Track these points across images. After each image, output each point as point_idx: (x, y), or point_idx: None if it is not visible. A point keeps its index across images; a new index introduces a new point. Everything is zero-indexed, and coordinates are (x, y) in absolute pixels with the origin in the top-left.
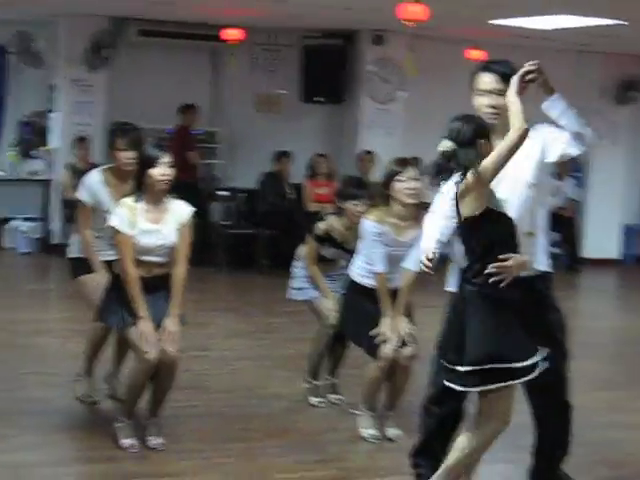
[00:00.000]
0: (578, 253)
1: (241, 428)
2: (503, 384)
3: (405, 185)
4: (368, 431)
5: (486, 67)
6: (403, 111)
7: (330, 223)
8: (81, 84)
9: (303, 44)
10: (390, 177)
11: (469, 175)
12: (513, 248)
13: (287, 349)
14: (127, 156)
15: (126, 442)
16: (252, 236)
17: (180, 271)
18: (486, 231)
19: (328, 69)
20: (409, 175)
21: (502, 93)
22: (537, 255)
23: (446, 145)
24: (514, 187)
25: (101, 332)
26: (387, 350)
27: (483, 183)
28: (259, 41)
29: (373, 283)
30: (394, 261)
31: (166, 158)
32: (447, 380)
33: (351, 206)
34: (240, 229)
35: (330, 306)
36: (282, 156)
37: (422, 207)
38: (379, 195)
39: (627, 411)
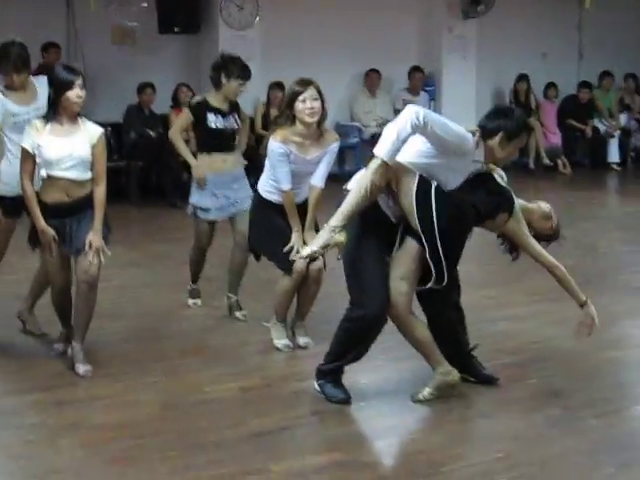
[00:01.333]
0: None
1: (160, 349)
2: None
3: (306, 105)
4: (281, 342)
5: None
6: (260, 37)
7: (204, 96)
8: None
9: None
10: (292, 97)
11: None
12: None
13: (182, 273)
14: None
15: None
16: (122, 169)
17: (100, 190)
18: None
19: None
20: (309, 95)
21: None
22: None
23: None
24: None
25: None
26: (299, 264)
27: None
28: None
29: (280, 199)
30: (300, 177)
31: (79, 80)
32: None
33: (235, 85)
34: (110, 162)
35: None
36: (145, 87)
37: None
38: (283, 115)
39: (509, 305)
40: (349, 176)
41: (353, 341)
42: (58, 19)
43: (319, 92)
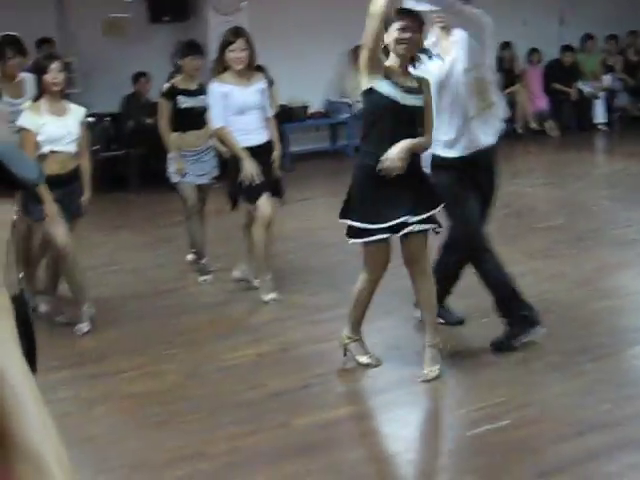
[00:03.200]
0: None
1: (177, 323)
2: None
3: (236, 54)
4: (269, 295)
5: None
6: (248, 21)
7: (172, 82)
8: None
9: None
10: (223, 47)
11: None
12: None
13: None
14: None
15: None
16: (122, 157)
17: (86, 163)
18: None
19: None
20: (238, 45)
21: None
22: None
23: None
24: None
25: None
26: (264, 203)
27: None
28: None
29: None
30: (247, 111)
31: (54, 64)
32: None
33: (189, 60)
34: (109, 151)
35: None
36: (139, 77)
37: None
38: (218, 62)
39: (508, 263)
40: (342, 151)
41: None
42: (49, 14)
43: (248, 41)
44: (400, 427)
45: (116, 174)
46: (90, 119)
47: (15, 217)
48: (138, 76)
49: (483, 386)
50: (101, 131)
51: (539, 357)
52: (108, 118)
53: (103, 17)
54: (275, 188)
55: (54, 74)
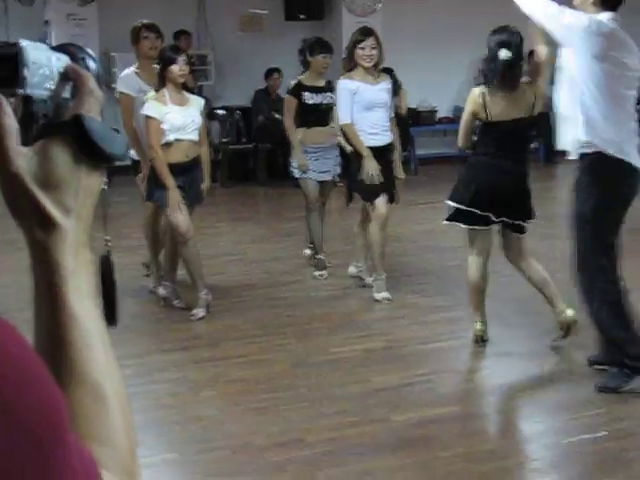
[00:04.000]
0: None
1: (289, 315)
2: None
3: (366, 52)
4: (381, 294)
5: None
6: (382, 23)
7: (299, 78)
8: (74, 18)
9: None
10: (353, 44)
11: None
12: None
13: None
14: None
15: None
16: (250, 151)
17: (205, 149)
18: None
19: None
20: (368, 44)
21: None
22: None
23: (508, 55)
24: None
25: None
26: (380, 202)
27: None
28: None
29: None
30: (374, 109)
31: (182, 57)
32: None
33: (320, 58)
34: (239, 145)
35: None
36: (272, 73)
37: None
38: (348, 60)
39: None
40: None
41: None
42: (189, 8)
43: (377, 41)
44: (497, 430)
45: (245, 167)
46: (221, 112)
47: (104, 187)
48: (270, 72)
49: (582, 396)
50: (231, 124)
51: None
52: (239, 111)
53: (241, 12)
54: (391, 190)
55: (182, 65)
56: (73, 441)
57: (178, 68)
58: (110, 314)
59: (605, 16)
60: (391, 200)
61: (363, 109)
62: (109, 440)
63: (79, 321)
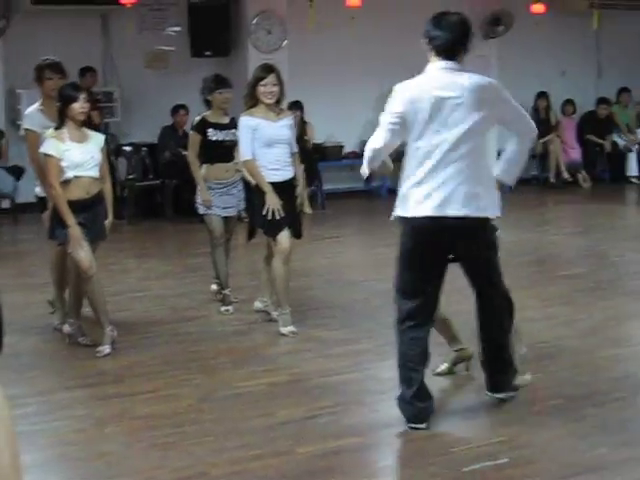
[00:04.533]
0: None
1: (195, 350)
2: None
3: (267, 89)
4: (287, 328)
5: None
6: (287, 60)
7: (203, 115)
8: None
9: (188, 2)
10: (255, 82)
11: None
12: None
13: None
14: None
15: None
16: (157, 187)
17: (108, 185)
18: None
19: (213, 24)
20: (269, 81)
21: None
22: None
23: None
24: None
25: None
26: (283, 237)
27: None
28: (146, 2)
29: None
30: (275, 145)
31: (83, 95)
32: None
33: (217, 95)
34: (145, 181)
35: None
36: (179, 109)
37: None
38: (249, 97)
39: (522, 309)
40: (375, 192)
41: None
42: (95, 45)
43: (279, 78)
44: (398, 460)
45: (151, 203)
46: (128, 148)
47: None
48: (177, 108)
49: (485, 425)
50: (138, 160)
51: (543, 399)
52: (145, 148)
53: (147, 49)
54: (294, 225)
55: (82, 103)
56: None
57: (79, 106)
58: None
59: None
60: (295, 235)
61: (264, 145)
62: None
63: None
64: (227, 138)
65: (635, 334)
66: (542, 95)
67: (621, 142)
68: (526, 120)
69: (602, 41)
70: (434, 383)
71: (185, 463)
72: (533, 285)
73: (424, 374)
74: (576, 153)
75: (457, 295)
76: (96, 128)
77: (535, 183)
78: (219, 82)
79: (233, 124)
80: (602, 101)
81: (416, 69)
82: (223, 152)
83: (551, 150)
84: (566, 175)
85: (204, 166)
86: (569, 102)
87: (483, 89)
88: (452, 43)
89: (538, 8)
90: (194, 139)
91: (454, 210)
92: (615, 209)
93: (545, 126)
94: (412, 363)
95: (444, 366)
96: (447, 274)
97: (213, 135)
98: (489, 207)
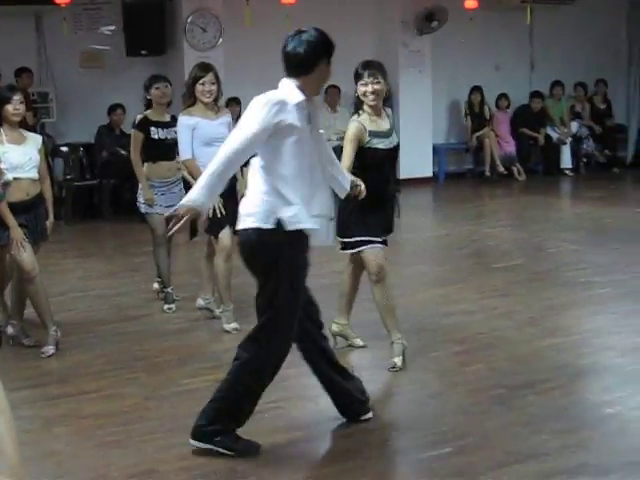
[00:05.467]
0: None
1: (139, 349)
2: None
3: (205, 88)
4: (230, 325)
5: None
6: (223, 58)
7: (145, 113)
8: None
9: (122, 1)
10: (193, 81)
11: None
12: None
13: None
14: None
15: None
16: (95, 187)
17: (47, 186)
18: None
19: (148, 23)
20: (207, 79)
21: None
22: None
23: None
24: None
25: None
26: (224, 235)
27: None
28: (80, 2)
29: None
30: (214, 143)
31: (17, 96)
32: None
33: (154, 91)
34: (83, 181)
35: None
36: (115, 108)
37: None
38: (187, 96)
39: (460, 301)
40: None
41: None
42: (29, 45)
43: (216, 76)
44: (342, 452)
45: (89, 203)
46: (64, 148)
47: None
48: (113, 108)
49: (429, 415)
50: (75, 161)
51: (485, 390)
52: (82, 148)
53: (82, 49)
54: (235, 223)
55: (16, 105)
56: None
57: (12, 107)
58: None
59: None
60: (235, 232)
61: (203, 144)
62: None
63: None
64: (169, 136)
65: (572, 324)
66: (476, 89)
67: (555, 135)
68: None
69: (535, 35)
70: (375, 376)
71: (134, 460)
72: (470, 277)
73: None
74: (510, 146)
75: None
76: (31, 129)
77: (470, 176)
78: (153, 78)
79: (174, 122)
80: (535, 95)
81: (351, 66)
82: (165, 150)
83: (486, 144)
84: (501, 168)
85: (146, 164)
86: (503, 96)
87: None
88: None
89: (471, 3)
90: (136, 137)
91: None
92: (550, 201)
93: (479, 120)
94: None
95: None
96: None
97: (155, 133)
98: None
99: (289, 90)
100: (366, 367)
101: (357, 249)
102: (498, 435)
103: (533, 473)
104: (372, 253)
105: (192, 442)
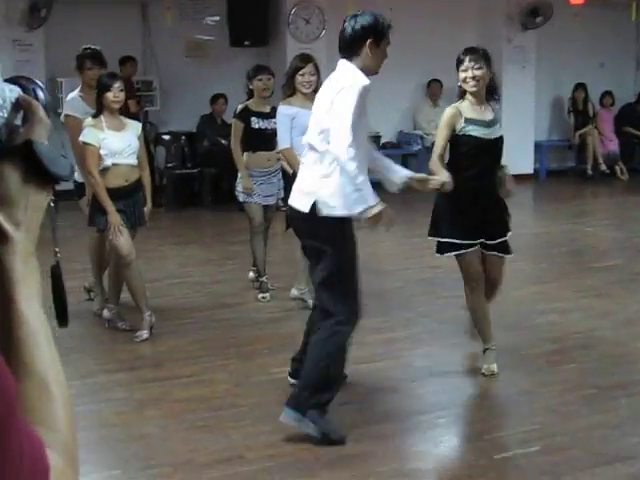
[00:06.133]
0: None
1: (232, 337)
2: None
3: (305, 79)
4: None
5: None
6: (326, 50)
7: (246, 103)
8: (20, 44)
9: None
10: (293, 71)
11: None
12: None
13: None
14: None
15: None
16: (195, 175)
17: (146, 173)
18: None
19: (252, 14)
20: (307, 70)
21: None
22: None
23: None
24: None
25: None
26: None
27: None
28: None
29: None
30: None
31: (117, 84)
32: None
33: (257, 82)
34: (184, 169)
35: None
36: (218, 98)
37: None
38: (287, 86)
39: (556, 300)
40: None
41: None
42: (135, 34)
43: (316, 67)
44: (433, 446)
45: (190, 191)
46: (166, 137)
47: (51, 204)
48: (216, 97)
49: (518, 413)
50: (177, 149)
51: (576, 390)
52: (184, 136)
53: (186, 38)
54: None
55: (116, 92)
56: (22, 422)
57: (112, 95)
58: (61, 315)
59: None
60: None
61: (301, 134)
62: (54, 425)
63: (28, 323)
64: (269, 127)
65: None
66: (580, 86)
67: None
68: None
69: None
70: (467, 373)
71: (222, 446)
72: (567, 276)
73: None
74: (614, 145)
75: None
76: (134, 117)
77: (572, 174)
78: (257, 69)
79: (274, 113)
80: None
81: (454, 57)
82: (265, 140)
83: (588, 142)
84: (603, 167)
85: (246, 154)
86: (607, 94)
87: None
88: None
89: None
90: (237, 127)
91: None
92: None
93: (583, 118)
94: None
95: None
96: None
97: (255, 123)
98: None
99: (358, 73)
100: (457, 364)
101: (448, 254)
102: (587, 436)
103: (621, 476)
104: (465, 262)
105: (285, 413)
